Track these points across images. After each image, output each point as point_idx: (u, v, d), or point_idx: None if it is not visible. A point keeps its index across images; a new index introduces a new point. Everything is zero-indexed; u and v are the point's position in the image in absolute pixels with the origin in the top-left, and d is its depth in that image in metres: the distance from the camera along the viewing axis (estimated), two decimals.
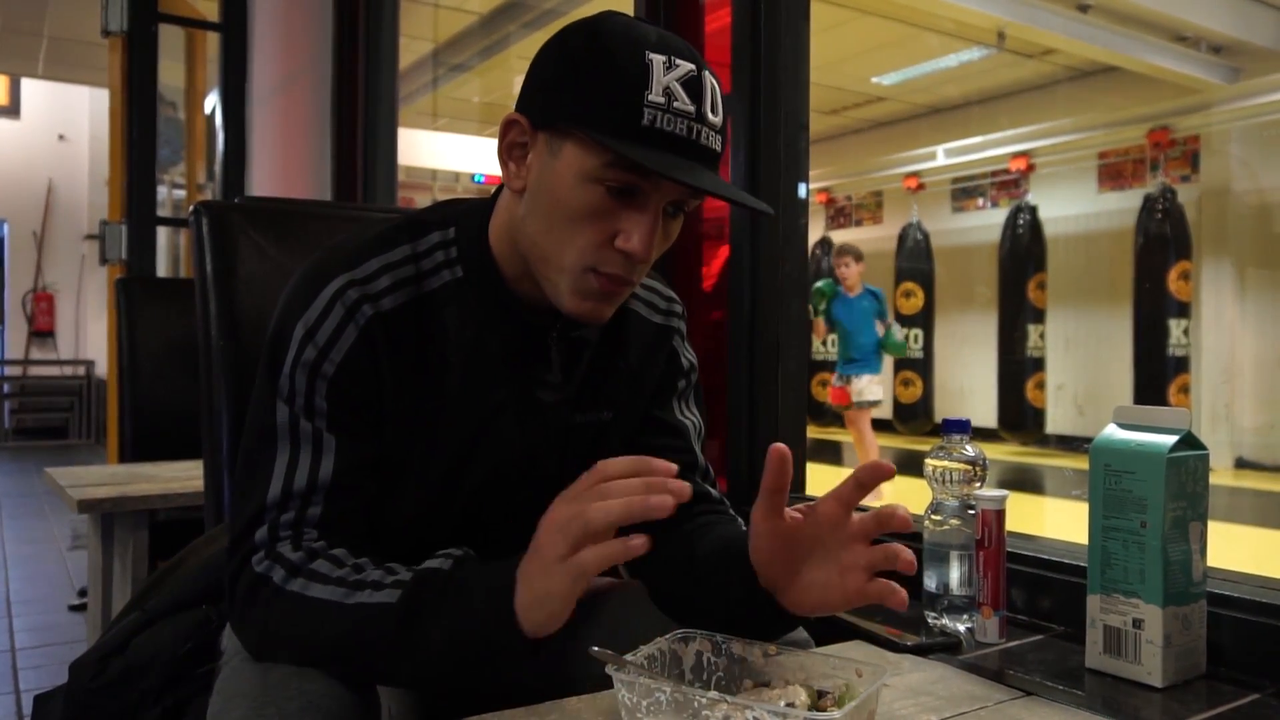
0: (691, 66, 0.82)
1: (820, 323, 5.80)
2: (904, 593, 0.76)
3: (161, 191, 5.44)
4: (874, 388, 5.80)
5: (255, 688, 0.80)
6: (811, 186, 1.75)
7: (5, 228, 10.09)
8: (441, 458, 0.91)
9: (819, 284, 5.91)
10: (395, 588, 0.78)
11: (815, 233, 9.95)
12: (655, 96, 0.79)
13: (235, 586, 0.84)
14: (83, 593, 3.66)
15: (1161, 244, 6.90)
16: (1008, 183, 8.71)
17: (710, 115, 0.82)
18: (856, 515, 0.81)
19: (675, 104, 0.80)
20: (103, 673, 0.99)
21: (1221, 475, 6.85)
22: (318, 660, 0.80)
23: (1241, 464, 7.18)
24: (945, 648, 1.05)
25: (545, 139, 0.84)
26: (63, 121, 10.15)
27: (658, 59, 0.80)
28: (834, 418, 6.68)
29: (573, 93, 0.82)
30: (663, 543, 0.98)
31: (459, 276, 0.91)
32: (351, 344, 0.86)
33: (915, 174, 9.18)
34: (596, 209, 0.82)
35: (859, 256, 5.86)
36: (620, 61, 0.80)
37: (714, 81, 0.84)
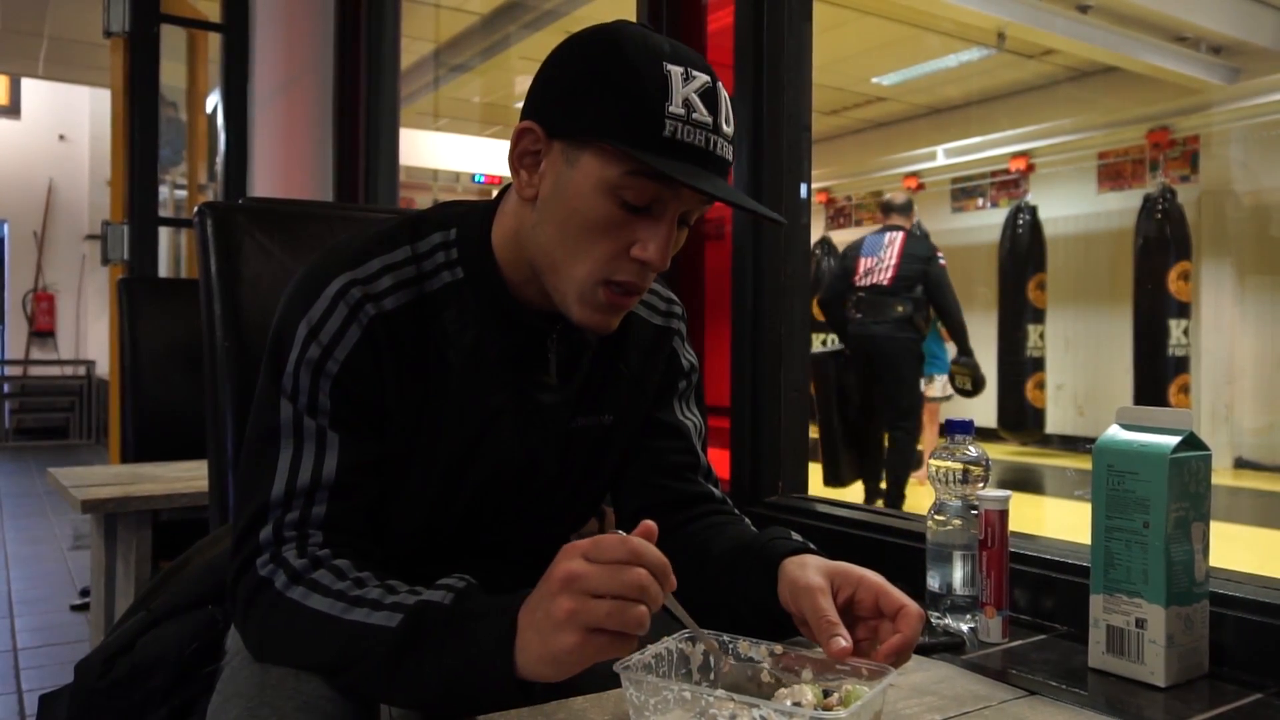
0: (708, 79, 0.83)
1: None
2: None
3: (163, 192, 5.43)
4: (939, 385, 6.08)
5: (253, 688, 0.80)
6: (812, 186, 1.76)
7: (5, 228, 10.08)
8: (441, 460, 0.91)
9: None
10: (394, 610, 0.77)
11: (815, 232, 9.95)
12: (676, 108, 0.80)
13: (238, 587, 0.85)
14: (84, 593, 3.66)
15: (1161, 244, 6.90)
16: (1008, 183, 8.71)
17: (725, 126, 0.84)
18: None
19: (694, 115, 0.81)
20: (109, 672, 0.99)
21: (1221, 475, 6.85)
22: (313, 669, 0.80)
23: (1241, 464, 7.18)
24: (949, 647, 1.05)
25: (561, 148, 0.84)
26: (63, 121, 10.14)
27: (676, 70, 0.81)
28: None
29: (593, 103, 0.82)
30: (671, 543, 0.99)
31: (459, 278, 0.92)
32: (355, 343, 0.87)
33: (915, 174, 9.18)
34: (613, 220, 0.83)
35: None
36: (641, 72, 0.80)
37: (726, 93, 0.85)
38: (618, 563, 0.68)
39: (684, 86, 0.81)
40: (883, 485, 5.14)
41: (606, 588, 0.68)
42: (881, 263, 4.87)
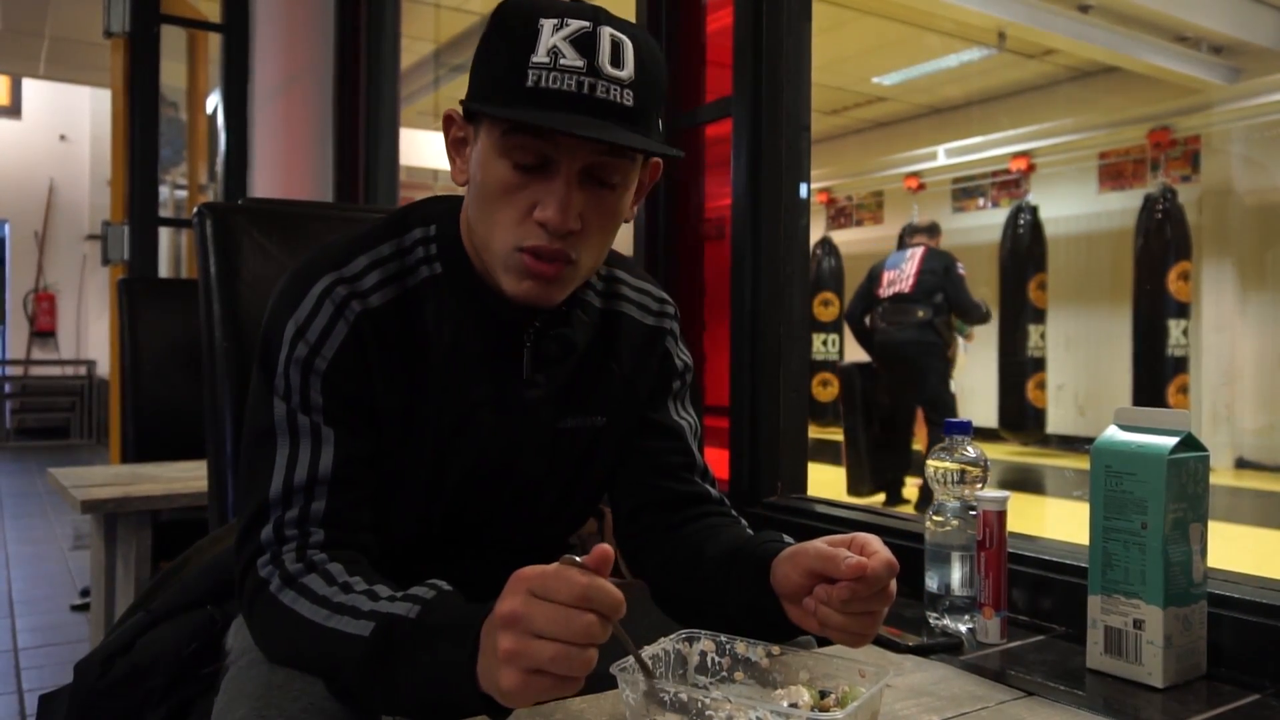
0: (585, 24, 0.80)
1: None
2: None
3: (163, 192, 5.44)
4: None
5: (259, 688, 0.80)
6: (812, 186, 1.76)
7: (7, 228, 10.08)
8: (426, 453, 0.91)
9: None
10: (369, 619, 0.76)
11: (816, 233, 9.95)
12: (539, 58, 0.79)
13: (242, 585, 0.85)
14: (85, 593, 3.66)
15: (1162, 244, 6.89)
16: (1008, 183, 8.70)
17: (609, 68, 0.80)
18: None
19: (561, 61, 0.79)
20: (108, 673, 1.00)
21: (1222, 475, 6.84)
22: (310, 672, 0.81)
23: (1242, 464, 7.18)
24: (947, 648, 1.05)
25: (471, 129, 0.87)
26: (64, 122, 10.14)
27: (549, 23, 0.80)
28: (834, 417, 6.68)
29: (475, 75, 0.84)
30: (667, 543, 0.99)
31: (437, 272, 0.92)
32: (342, 340, 0.87)
33: (916, 174, 9.18)
34: (511, 184, 0.83)
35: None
36: (512, 33, 0.81)
37: (621, 36, 0.82)
38: (565, 605, 0.63)
39: (553, 35, 0.80)
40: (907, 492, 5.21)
41: (551, 631, 0.63)
42: (903, 273, 5.11)
